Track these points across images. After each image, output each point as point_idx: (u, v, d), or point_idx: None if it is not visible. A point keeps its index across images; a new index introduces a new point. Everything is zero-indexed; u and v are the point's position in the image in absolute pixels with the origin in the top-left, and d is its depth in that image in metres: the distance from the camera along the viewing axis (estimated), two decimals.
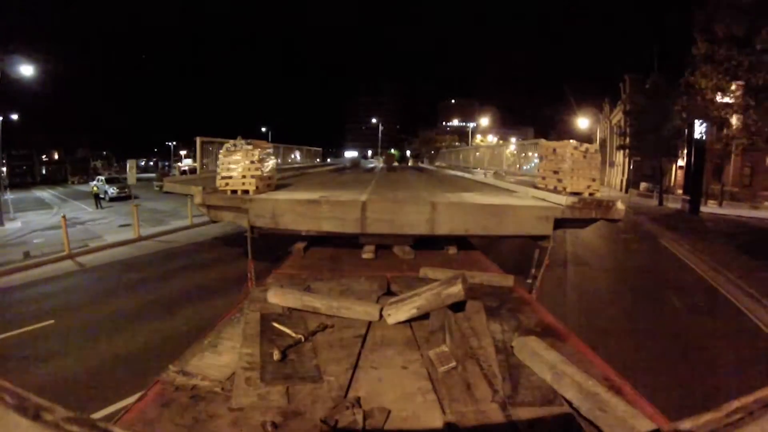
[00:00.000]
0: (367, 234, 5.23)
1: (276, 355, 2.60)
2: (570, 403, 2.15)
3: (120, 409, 3.72)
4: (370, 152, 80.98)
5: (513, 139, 71.51)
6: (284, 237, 5.85)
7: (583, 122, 41.82)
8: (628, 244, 17.10)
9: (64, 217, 15.66)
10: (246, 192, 5.43)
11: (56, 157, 61.23)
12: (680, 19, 16.83)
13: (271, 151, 6.13)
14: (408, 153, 62.54)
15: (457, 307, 3.41)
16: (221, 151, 5.69)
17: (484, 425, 2.07)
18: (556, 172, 5.65)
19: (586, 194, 5.32)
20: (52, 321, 8.78)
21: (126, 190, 28.78)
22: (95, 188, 28.07)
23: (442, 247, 5.78)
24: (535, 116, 79.53)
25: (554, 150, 5.78)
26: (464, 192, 6.93)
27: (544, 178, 6.02)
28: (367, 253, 5.40)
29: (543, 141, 6.50)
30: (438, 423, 2.07)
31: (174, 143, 72.10)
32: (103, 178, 31.51)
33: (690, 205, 25.93)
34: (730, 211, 26.96)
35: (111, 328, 8.45)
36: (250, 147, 5.55)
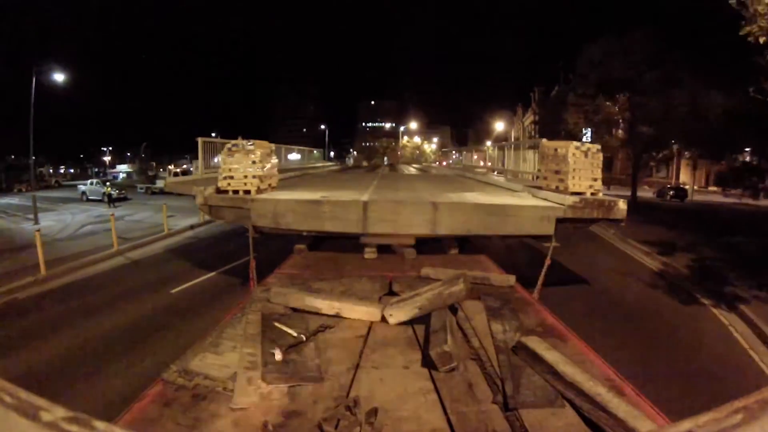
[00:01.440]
0: (368, 234, 5.23)
1: (277, 355, 2.61)
2: (571, 404, 2.15)
3: None
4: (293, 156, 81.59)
5: (435, 139, 74.96)
6: (286, 237, 5.86)
7: (499, 125, 48.75)
8: None
9: (165, 206, 18.05)
10: (247, 192, 5.44)
11: None
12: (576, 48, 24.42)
13: (272, 151, 6.14)
14: (332, 154, 62.41)
15: (459, 307, 3.41)
16: (223, 151, 5.70)
17: (485, 425, 2.06)
18: (557, 172, 5.63)
19: (588, 194, 5.30)
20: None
21: (123, 192, 30.56)
22: (108, 188, 29.37)
23: (444, 247, 5.77)
24: (452, 116, 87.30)
25: (556, 150, 5.76)
26: (466, 192, 6.92)
27: (545, 177, 6.00)
28: (369, 253, 5.39)
29: (544, 141, 6.48)
30: (439, 423, 2.07)
31: (109, 148, 69.20)
32: (95, 180, 32.97)
33: None
34: (613, 192, 39.76)
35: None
36: (251, 147, 5.55)
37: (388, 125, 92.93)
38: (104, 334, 7.48)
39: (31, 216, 19.82)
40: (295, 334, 2.94)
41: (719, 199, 31.05)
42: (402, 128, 68.17)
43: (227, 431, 1.98)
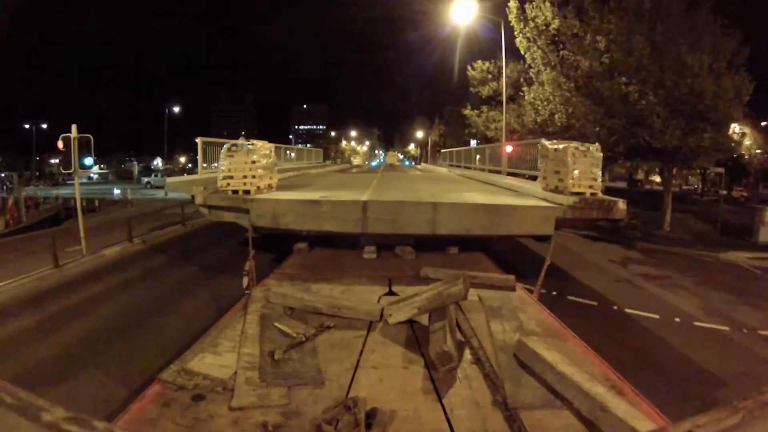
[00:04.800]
0: (368, 234, 5.23)
1: (277, 355, 2.61)
2: (571, 404, 2.15)
3: None
4: None
5: (367, 142, 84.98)
6: (286, 237, 5.85)
7: (419, 133, 60.04)
8: None
9: None
10: (247, 192, 5.43)
11: None
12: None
13: (272, 151, 6.13)
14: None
15: (458, 307, 3.41)
16: (222, 151, 5.68)
17: (485, 425, 2.07)
18: (557, 172, 5.62)
19: (587, 194, 5.30)
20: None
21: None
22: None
23: (444, 247, 5.77)
24: (379, 120, 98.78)
25: (555, 150, 5.75)
26: (466, 192, 6.92)
27: (545, 177, 6.00)
28: (369, 253, 5.39)
29: (544, 141, 6.48)
30: (439, 423, 2.07)
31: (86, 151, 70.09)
32: (158, 173, 42.00)
33: None
34: None
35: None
36: (251, 147, 5.55)
37: (320, 128, 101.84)
38: None
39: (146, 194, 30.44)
40: (294, 334, 2.94)
41: None
42: (333, 133, 78.86)
43: (226, 431, 1.98)
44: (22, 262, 10.12)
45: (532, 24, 17.16)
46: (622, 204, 5.14)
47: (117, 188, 35.63)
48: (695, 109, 14.77)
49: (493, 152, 12.48)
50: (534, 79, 18.54)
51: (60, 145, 11.06)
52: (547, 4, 16.61)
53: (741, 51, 15.44)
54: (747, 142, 30.60)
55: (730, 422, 0.57)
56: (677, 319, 8.18)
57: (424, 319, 3.12)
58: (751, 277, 11.82)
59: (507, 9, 17.54)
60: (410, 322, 3.16)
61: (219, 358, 2.61)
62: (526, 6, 17.24)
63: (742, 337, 7.43)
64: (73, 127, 10.96)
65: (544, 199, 5.53)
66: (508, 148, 10.95)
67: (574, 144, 5.48)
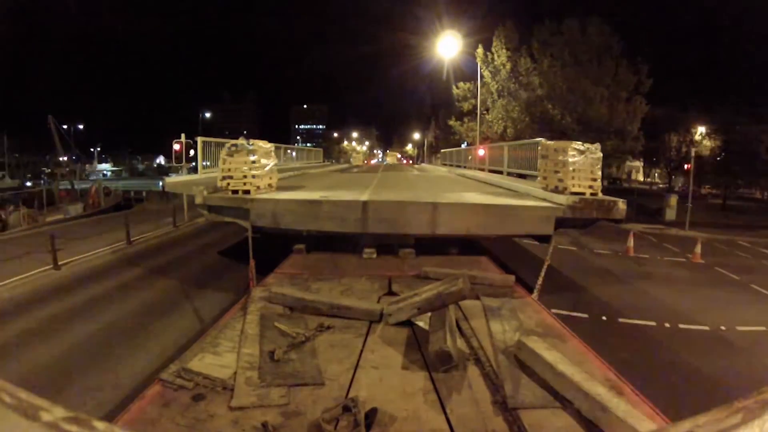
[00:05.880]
0: (368, 234, 5.23)
1: (277, 355, 2.61)
2: (571, 404, 2.15)
3: None
4: None
5: (366, 143, 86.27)
6: (286, 237, 5.85)
7: (416, 135, 63.74)
8: None
9: None
10: (247, 192, 5.42)
11: None
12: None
13: (272, 151, 6.13)
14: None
15: (458, 307, 3.41)
16: (222, 151, 5.68)
17: (484, 425, 2.07)
18: (557, 172, 5.62)
19: (587, 194, 5.29)
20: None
21: None
22: None
23: (444, 247, 5.77)
24: (378, 120, 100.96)
25: (555, 149, 5.75)
26: (465, 192, 6.93)
27: (545, 177, 5.99)
28: (369, 253, 5.39)
29: (543, 140, 6.48)
30: (439, 423, 2.07)
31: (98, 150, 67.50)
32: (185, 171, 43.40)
33: None
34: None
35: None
36: (251, 147, 5.54)
37: (320, 127, 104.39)
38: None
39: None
40: (294, 334, 2.94)
41: None
42: (335, 134, 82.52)
43: (226, 431, 1.98)
44: (143, 228, 14.05)
45: (492, 65, 25.39)
46: (622, 204, 5.13)
47: (160, 182, 38.53)
48: (599, 126, 22.43)
49: (492, 154, 12.55)
50: (492, 106, 26.39)
51: (176, 147, 14.68)
52: (504, 50, 24.90)
53: (644, 82, 23.35)
54: (709, 145, 33.14)
55: (730, 422, 0.57)
56: None
57: (424, 319, 3.12)
58: (631, 235, 15.33)
59: (476, 53, 24.68)
60: (410, 322, 3.16)
61: (219, 358, 2.61)
62: (489, 52, 25.53)
63: (582, 252, 13.63)
64: (182, 135, 14.25)
65: (544, 199, 5.53)
66: (480, 152, 14.25)
67: (574, 144, 5.47)
